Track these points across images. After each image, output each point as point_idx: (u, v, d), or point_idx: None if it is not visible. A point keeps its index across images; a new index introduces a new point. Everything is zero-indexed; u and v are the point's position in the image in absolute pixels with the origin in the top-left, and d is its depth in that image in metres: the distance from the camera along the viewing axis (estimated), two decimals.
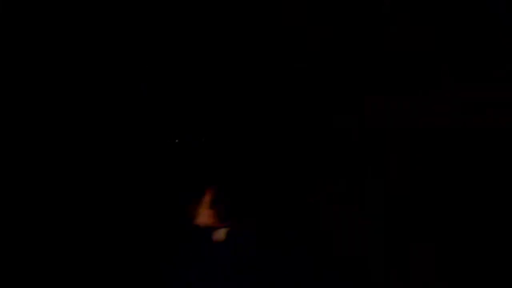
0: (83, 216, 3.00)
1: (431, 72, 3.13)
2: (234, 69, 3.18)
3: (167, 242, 3.01)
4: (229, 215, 3.05)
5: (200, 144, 3.11)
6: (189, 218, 3.09)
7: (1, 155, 3.05)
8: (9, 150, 3.04)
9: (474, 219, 3.00)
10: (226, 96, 3.17)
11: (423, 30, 3.14)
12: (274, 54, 3.18)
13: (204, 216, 3.09)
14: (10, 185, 3.01)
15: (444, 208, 3.04)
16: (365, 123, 3.14)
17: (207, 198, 3.11)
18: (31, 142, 3.06)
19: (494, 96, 3.08)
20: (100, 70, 3.14)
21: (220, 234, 2.88)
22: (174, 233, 3.03)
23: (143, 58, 3.17)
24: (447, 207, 3.04)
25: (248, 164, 3.13)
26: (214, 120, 3.15)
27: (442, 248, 2.99)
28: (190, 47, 3.19)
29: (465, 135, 3.08)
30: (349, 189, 3.09)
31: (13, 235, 2.97)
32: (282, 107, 3.17)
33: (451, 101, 3.10)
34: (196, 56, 3.19)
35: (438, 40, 3.14)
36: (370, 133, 3.15)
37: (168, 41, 3.19)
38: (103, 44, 3.16)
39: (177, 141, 2.73)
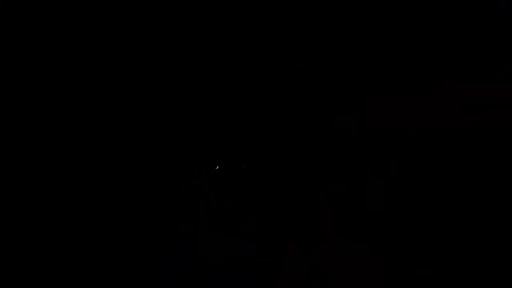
0: (81, 216, 3.00)
1: (431, 72, 3.14)
2: (234, 69, 3.18)
3: (165, 242, 3.01)
4: (230, 215, 3.05)
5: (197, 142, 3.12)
6: (188, 218, 3.10)
7: (0, 154, 3.05)
8: (8, 149, 3.05)
9: (474, 219, 3.00)
10: (226, 96, 3.18)
11: (423, 30, 3.14)
12: (274, 54, 3.18)
13: (205, 216, 3.10)
14: (7, 185, 3.01)
15: (444, 208, 3.04)
16: (365, 123, 3.15)
17: (207, 198, 3.12)
18: (31, 141, 3.06)
19: (494, 96, 3.08)
20: (100, 70, 3.14)
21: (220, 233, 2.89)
22: (173, 233, 3.03)
23: (143, 58, 3.17)
24: (447, 207, 3.04)
25: (248, 164, 3.13)
26: (214, 120, 3.16)
27: (443, 249, 2.99)
28: (190, 47, 3.19)
29: (465, 135, 3.08)
30: (349, 189, 3.09)
31: (11, 235, 2.97)
32: (282, 107, 3.17)
33: (451, 101, 3.10)
34: (196, 56, 3.19)
35: (438, 40, 3.14)
36: (370, 133, 3.15)
37: (168, 41, 3.19)
38: (103, 44, 3.16)
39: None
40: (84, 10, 3.15)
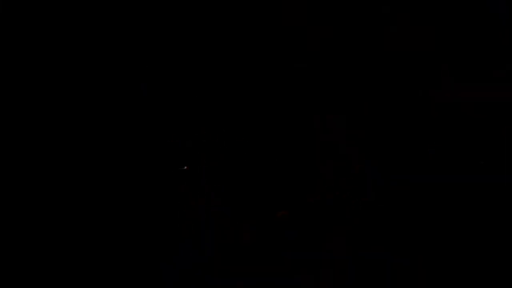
0: (81, 216, 3.00)
1: (431, 72, 3.13)
2: (234, 69, 3.18)
3: (165, 242, 3.00)
4: (230, 215, 3.05)
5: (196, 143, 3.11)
6: (188, 218, 3.09)
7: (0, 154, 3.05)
8: (7, 149, 3.04)
9: (474, 220, 3.01)
10: (226, 96, 3.17)
11: (423, 30, 3.14)
12: (274, 54, 3.17)
13: (205, 216, 3.09)
14: (5, 185, 3.01)
15: (444, 209, 3.04)
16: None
17: (207, 198, 3.12)
18: (30, 141, 3.06)
19: (494, 96, 3.08)
20: (100, 70, 3.14)
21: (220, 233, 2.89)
22: (173, 233, 3.03)
23: (143, 58, 3.17)
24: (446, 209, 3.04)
25: (249, 164, 3.13)
26: (214, 120, 3.15)
27: (443, 251, 2.99)
28: (190, 47, 3.19)
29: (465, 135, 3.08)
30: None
31: (9, 234, 2.97)
32: (282, 107, 3.17)
33: (451, 101, 3.10)
34: (196, 56, 3.19)
35: (438, 40, 3.14)
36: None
37: (168, 41, 3.19)
38: (103, 44, 3.16)
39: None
40: (84, 10, 3.15)
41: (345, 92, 3.16)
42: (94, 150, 3.08)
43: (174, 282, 2.92)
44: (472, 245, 2.97)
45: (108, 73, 3.15)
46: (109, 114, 3.12)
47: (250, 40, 3.19)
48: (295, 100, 3.17)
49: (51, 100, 3.11)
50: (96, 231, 2.99)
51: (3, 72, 3.10)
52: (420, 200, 3.05)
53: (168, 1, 3.18)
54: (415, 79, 3.14)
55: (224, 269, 2.95)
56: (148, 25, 3.18)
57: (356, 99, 3.15)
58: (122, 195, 3.04)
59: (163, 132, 3.12)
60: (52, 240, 2.97)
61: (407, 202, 3.05)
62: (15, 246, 2.96)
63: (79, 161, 3.06)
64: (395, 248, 2.99)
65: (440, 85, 3.12)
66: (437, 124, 3.11)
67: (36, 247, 2.96)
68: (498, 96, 3.08)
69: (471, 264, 2.94)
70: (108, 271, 2.94)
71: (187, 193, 3.07)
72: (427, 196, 3.05)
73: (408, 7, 3.14)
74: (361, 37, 3.16)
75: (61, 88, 3.13)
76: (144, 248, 2.98)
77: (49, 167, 3.04)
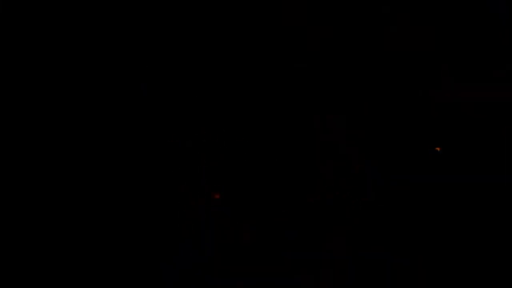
0: (82, 216, 3.00)
1: (431, 72, 3.13)
2: (234, 70, 3.18)
3: (165, 242, 3.01)
4: (230, 215, 3.05)
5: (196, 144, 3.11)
6: (188, 218, 3.09)
7: (0, 155, 3.05)
8: (8, 150, 3.04)
9: (473, 221, 3.01)
10: (226, 97, 3.17)
11: (423, 30, 3.14)
12: (274, 54, 3.17)
13: (205, 216, 3.09)
14: (7, 185, 3.01)
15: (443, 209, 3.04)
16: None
17: (207, 198, 3.12)
18: (30, 141, 3.06)
19: (494, 96, 3.08)
20: (100, 70, 3.14)
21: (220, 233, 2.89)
22: (173, 233, 3.03)
23: (143, 58, 3.17)
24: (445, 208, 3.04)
25: (248, 164, 3.13)
26: (214, 120, 3.15)
27: (443, 249, 2.99)
28: (190, 47, 3.19)
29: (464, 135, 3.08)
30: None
31: (11, 235, 2.97)
32: (282, 107, 3.16)
33: (451, 101, 3.10)
34: (196, 56, 3.19)
35: (438, 40, 3.14)
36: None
37: (168, 41, 3.19)
38: (103, 44, 3.15)
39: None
40: (84, 10, 3.15)
41: (345, 92, 3.16)
42: (94, 150, 3.08)
43: (174, 282, 2.92)
44: (472, 245, 2.97)
45: (109, 73, 3.15)
46: (109, 114, 3.12)
47: (250, 40, 3.18)
48: (295, 100, 3.16)
49: (51, 100, 3.11)
50: (96, 231, 2.99)
51: (4, 72, 3.10)
52: (420, 200, 3.05)
53: (168, 1, 3.18)
54: (415, 79, 3.14)
55: (224, 269, 2.95)
56: (148, 26, 3.18)
57: (356, 99, 3.15)
58: (122, 195, 3.04)
59: (163, 132, 3.13)
60: (53, 240, 2.97)
61: (407, 202, 3.05)
62: (16, 246, 2.96)
63: (79, 161, 3.06)
64: (395, 248, 2.99)
65: (440, 85, 3.12)
66: (437, 124, 3.11)
67: (37, 247, 2.96)
68: (498, 96, 3.08)
69: (470, 264, 2.94)
70: (108, 271, 2.94)
71: (187, 193, 3.07)
72: (427, 196, 3.05)
73: (408, 7, 3.14)
74: (361, 37, 3.16)
75: (62, 88, 3.13)
76: (144, 248, 2.98)
77: (49, 167, 3.04)
